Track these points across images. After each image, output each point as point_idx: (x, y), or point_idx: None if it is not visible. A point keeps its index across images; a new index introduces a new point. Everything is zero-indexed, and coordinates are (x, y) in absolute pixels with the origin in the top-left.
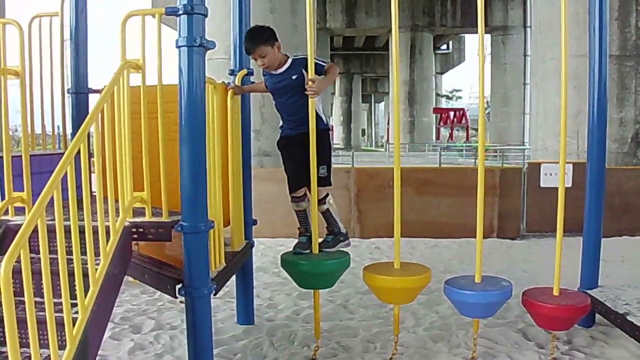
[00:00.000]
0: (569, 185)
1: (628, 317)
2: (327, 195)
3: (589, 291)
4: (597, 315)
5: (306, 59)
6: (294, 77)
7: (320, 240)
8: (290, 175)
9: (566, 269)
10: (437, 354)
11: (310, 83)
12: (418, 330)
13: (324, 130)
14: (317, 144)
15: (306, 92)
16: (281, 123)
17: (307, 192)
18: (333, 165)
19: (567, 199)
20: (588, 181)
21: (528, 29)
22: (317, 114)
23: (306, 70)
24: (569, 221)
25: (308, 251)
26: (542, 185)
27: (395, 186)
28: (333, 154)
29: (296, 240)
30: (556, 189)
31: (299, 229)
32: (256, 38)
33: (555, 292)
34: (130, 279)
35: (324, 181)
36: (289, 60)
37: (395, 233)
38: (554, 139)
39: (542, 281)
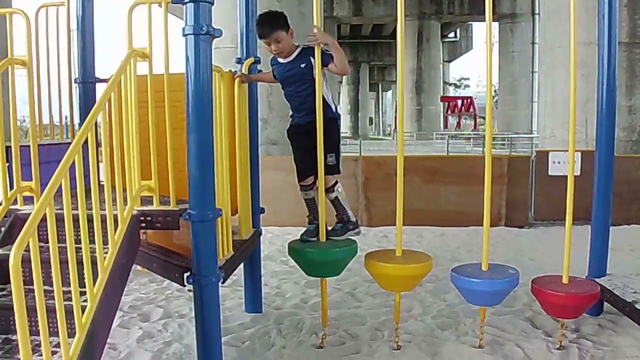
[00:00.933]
0: (578, 173)
1: (636, 306)
2: (336, 183)
3: (597, 279)
4: (605, 304)
5: (314, 47)
6: (302, 65)
7: (330, 228)
8: (298, 164)
9: (574, 257)
10: (444, 341)
11: (315, 30)
12: (425, 318)
13: (332, 119)
14: (326, 132)
15: (307, 38)
16: (291, 112)
17: (316, 181)
18: (341, 154)
19: (575, 187)
20: (597, 169)
21: (536, 17)
22: (325, 102)
23: (314, 58)
24: (577, 209)
25: (315, 239)
26: (550, 173)
27: (398, 174)
28: (341, 142)
29: (304, 229)
30: (564, 177)
31: (308, 216)
32: (273, 22)
33: (565, 280)
34: (139, 267)
35: (332, 169)
36: (298, 49)
37: (398, 221)
38: (562, 127)
39: (550, 270)
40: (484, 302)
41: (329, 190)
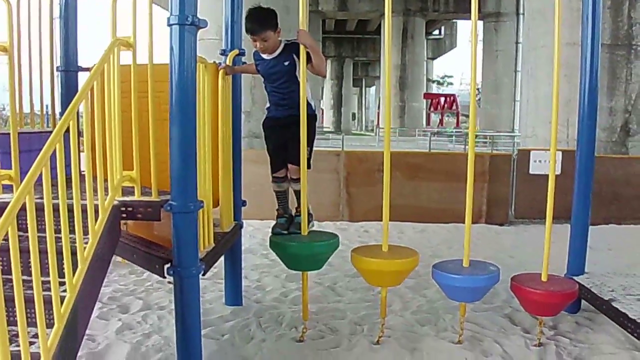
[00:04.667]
0: (558, 172)
1: (613, 304)
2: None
3: (575, 278)
4: (583, 302)
5: (297, 43)
6: (285, 63)
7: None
8: (272, 156)
9: (553, 255)
10: (424, 337)
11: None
12: (405, 313)
13: (311, 116)
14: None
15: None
16: (268, 105)
17: (288, 174)
18: (323, 149)
19: (556, 186)
20: (577, 169)
21: (520, 16)
22: (306, 100)
23: (297, 56)
24: (557, 208)
25: (286, 232)
26: (531, 172)
27: (384, 170)
28: (323, 137)
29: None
30: (545, 176)
31: (277, 210)
32: (264, 21)
33: (544, 278)
34: (119, 259)
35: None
36: (282, 45)
37: (384, 216)
38: (544, 126)
39: (530, 267)
40: (464, 298)
41: (296, 180)
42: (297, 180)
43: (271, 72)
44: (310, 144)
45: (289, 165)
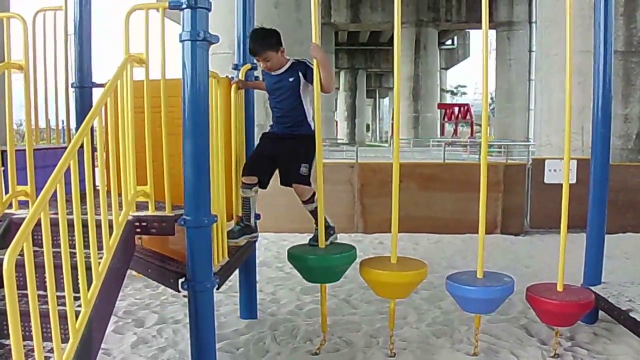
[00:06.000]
0: (573, 181)
1: (631, 314)
2: (314, 194)
3: (592, 287)
4: (600, 312)
5: (305, 62)
6: (290, 79)
7: (311, 235)
8: (250, 160)
9: (569, 265)
10: (439, 349)
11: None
12: (420, 325)
13: (310, 135)
14: (301, 145)
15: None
16: (271, 122)
17: (257, 185)
18: (338, 160)
19: (571, 195)
20: (592, 177)
21: (533, 25)
22: (305, 119)
23: (303, 75)
24: (572, 217)
25: (238, 240)
26: (546, 181)
27: (393, 181)
28: (337, 149)
29: (299, 234)
30: (561, 185)
31: (238, 216)
32: (263, 43)
33: (560, 288)
34: (134, 272)
35: (303, 179)
36: (288, 63)
37: (393, 228)
38: (558, 135)
39: (545, 277)
40: (479, 309)
41: (308, 201)
42: (307, 201)
43: (275, 87)
44: (310, 160)
45: (295, 187)
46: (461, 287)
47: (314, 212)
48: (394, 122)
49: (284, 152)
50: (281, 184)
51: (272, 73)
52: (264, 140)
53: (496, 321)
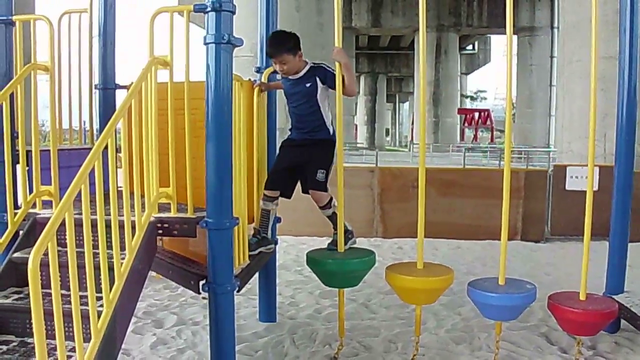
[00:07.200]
0: (596, 188)
1: None
2: (331, 199)
3: (614, 296)
4: (623, 321)
5: (323, 67)
6: (307, 84)
7: (329, 239)
8: (272, 173)
9: (591, 273)
10: (458, 356)
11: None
12: (440, 331)
13: (328, 140)
14: (319, 150)
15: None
16: (290, 126)
17: (278, 200)
18: (357, 165)
19: (593, 202)
20: (615, 185)
21: (555, 30)
22: (324, 124)
23: (322, 80)
24: (594, 225)
25: (255, 252)
26: (567, 188)
27: (419, 186)
28: (357, 153)
29: (319, 238)
30: (582, 192)
31: (255, 227)
32: (280, 46)
33: (582, 297)
34: (153, 273)
35: (319, 185)
36: (307, 67)
37: (419, 233)
38: (580, 141)
39: (566, 285)
40: (500, 316)
41: (325, 206)
42: (324, 207)
43: (292, 92)
44: (327, 165)
45: (312, 193)
46: (483, 294)
47: (331, 217)
48: (420, 127)
49: (303, 159)
50: (303, 191)
51: (290, 77)
52: (283, 150)
53: (516, 329)
